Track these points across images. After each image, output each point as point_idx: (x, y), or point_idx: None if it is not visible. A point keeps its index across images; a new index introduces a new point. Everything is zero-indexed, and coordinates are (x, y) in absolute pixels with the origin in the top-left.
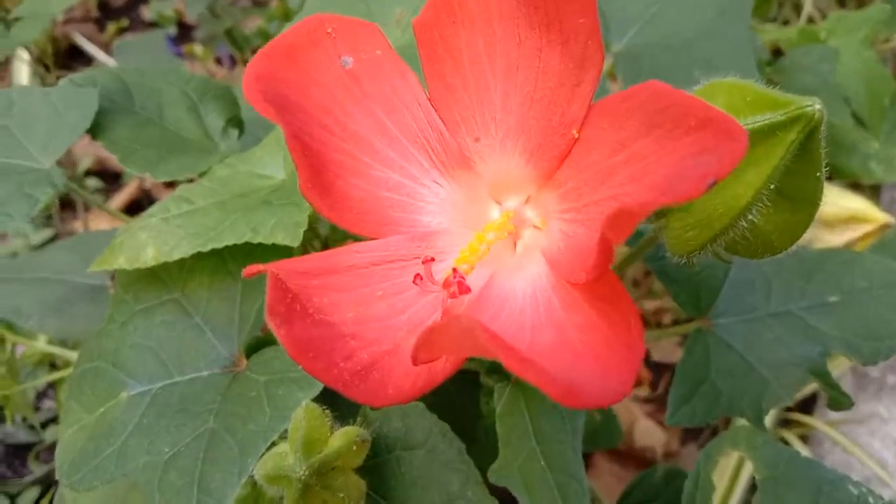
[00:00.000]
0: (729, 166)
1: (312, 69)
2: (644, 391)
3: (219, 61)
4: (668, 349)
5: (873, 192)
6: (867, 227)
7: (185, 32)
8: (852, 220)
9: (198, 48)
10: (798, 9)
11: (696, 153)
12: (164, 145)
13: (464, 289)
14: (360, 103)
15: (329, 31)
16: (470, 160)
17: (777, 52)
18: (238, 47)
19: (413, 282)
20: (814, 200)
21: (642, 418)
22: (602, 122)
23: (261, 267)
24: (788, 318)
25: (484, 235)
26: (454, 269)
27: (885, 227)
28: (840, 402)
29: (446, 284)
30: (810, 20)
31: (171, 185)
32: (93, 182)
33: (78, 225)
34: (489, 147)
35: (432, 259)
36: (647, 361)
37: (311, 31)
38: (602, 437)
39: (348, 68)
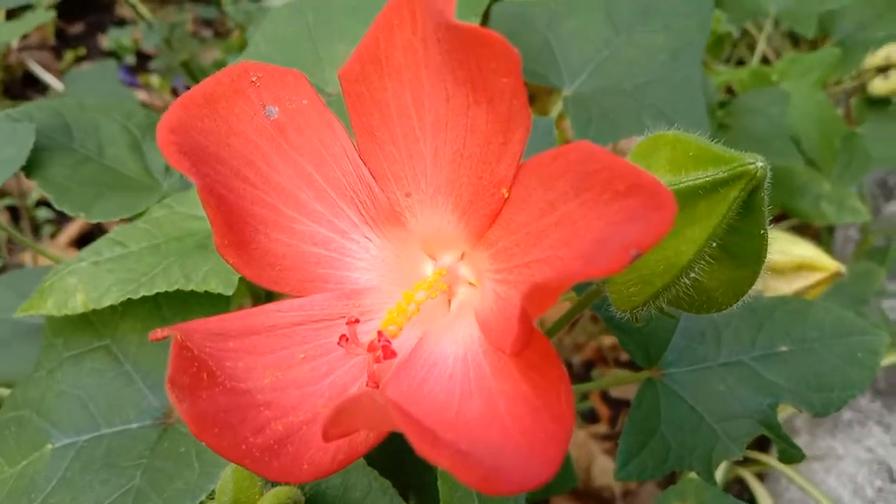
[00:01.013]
0: (654, 237)
1: (233, 119)
2: (602, 428)
3: (175, 92)
4: (625, 389)
5: (828, 232)
6: (818, 276)
7: (143, 62)
8: (803, 268)
9: (154, 79)
10: (752, 48)
11: (623, 221)
12: (102, 184)
13: (389, 353)
14: (286, 155)
15: (253, 79)
16: (401, 215)
17: (730, 92)
18: (195, 79)
19: (338, 343)
20: (758, 258)
21: (600, 456)
22: (532, 182)
23: (167, 331)
24: (739, 368)
25: (413, 295)
26: (379, 332)
27: (836, 275)
28: (791, 455)
29: (371, 348)
30: (764, 59)
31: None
32: (43, 213)
33: (27, 256)
34: (420, 203)
35: (357, 320)
36: (606, 397)
37: (233, 79)
38: (555, 484)
39: (273, 118)
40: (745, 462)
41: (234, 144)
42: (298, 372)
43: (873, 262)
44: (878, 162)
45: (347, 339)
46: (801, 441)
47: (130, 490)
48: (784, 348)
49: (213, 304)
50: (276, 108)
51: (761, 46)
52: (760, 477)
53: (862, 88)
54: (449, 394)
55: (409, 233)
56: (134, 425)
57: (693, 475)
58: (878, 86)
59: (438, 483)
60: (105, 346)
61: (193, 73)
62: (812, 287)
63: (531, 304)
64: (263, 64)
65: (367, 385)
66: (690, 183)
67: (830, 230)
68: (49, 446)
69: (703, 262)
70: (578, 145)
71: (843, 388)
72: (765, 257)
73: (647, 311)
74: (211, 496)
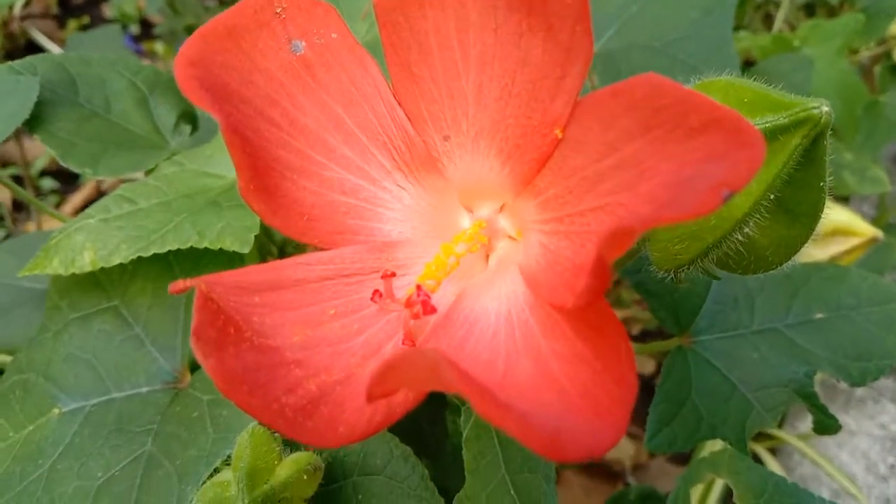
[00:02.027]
0: (745, 176)
1: (257, 54)
2: None
3: None
4: (638, 360)
5: (843, 203)
6: (854, 241)
7: (146, 30)
8: (838, 233)
9: (158, 46)
10: (767, 18)
11: (702, 160)
12: (109, 140)
13: (429, 309)
14: (313, 94)
15: (278, 10)
16: (438, 161)
17: (747, 63)
18: None
19: (371, 299)
20: (815, 213)
21: None
22: (589, 121)
23: (189, 282)
24: (773, 335)
25: (452, 247)
26: (418, 286)
27: (872, 240)
28: (828, 426)
29: (409, 303)
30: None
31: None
32: (48, 183)
33: (31, 226)
34: (460, 147)
35: (393, 274)
36: None
37: (257, 10)
38: None
39: (300, 54)
40: (758, 437)
41: (258, 82)
42: (329, 329)
43: (890, 235)
44: None
45: (381, 295)
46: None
47: (141, 456)
48: (820, 315)
49: (227, 263)
50: (303, 43)
51: (782, 12)
52: (773, 452)
53: (886, 56)
54: (493, 353)
55: (447, 181)
56: (144, 389)
57: (722, 448)
58: None
59: (463, 451)
60: (114, 308)
61: None
62: (847, 253)
63: (609, 249)
64: None
65: (402, 343)
66: None
67: (845, 202)
68: (56, 411)
69: (758, 216)
70: (644, 78)
71: (882, 357)
72: (822, 213)
73: (691, 271)
74: (226, 462)
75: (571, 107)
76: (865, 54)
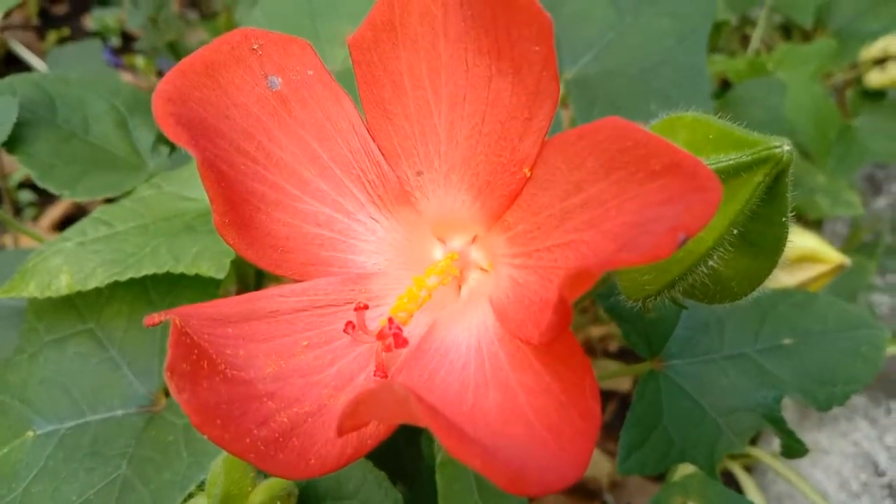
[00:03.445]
0: (701, 220)
1: (234, 89)
2: None
3: (161, 75)
4: (616, 378)
5: (816, 226)
6: (821, 268)
7: (128, 44)
8: (806, 259)
9: (139, 60)
10: (744, 39)
11: (661, 202)
12: (87, 162)
13: (400, 342)
14: (288, 129)
15: (255, 47)
16: (411, 195)
17: (723, 84)
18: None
19: (344, 330)
20: (777, 247)
21: None
22: (557, 161)
23: (164, 315)
24: (743, 361)
25: (425, 280)
26: (390, 319)
27: (839, 267)
28: (794, 450)
29: (381, 336)
30: (755, 53)
31: (110, 200)
32: (26, 196)
33: (7, 240)
34: (432, 182)
35: (366, 306)
36: None
37: (234, 46)
38: None
39: (276, 90)
40: (733, 455)
41: (235, 117)
42: (302, 360)
43: (862, 256)
44: (873, 155)
45: (354, 327)
46: None
47: (116, 480)
48: (788, 341)
49: (203, 288)
50: (279, 79)
51: (758, 35)
52: (748, 469)
53: (857, 80)
54: (463, 384)
55: (419, 214)
56: (119, 413)
57: (695, 470)
58: (875, 78)
59: (437, 476)
60: (89, 331)
61: (179, 55)
62: (815, 279)
63: (570, 289)
64: (266, 31)
65: (374, 374)
66: (712, 166)
67: (819, 225)
68: (31, 433)
69: (722, 250)
70: (608, 121)
71: (847, 383)
72: (784, 246)
73: (659, 301)
74: (200, 487)
75: (539, 146)
76: (838, 78)
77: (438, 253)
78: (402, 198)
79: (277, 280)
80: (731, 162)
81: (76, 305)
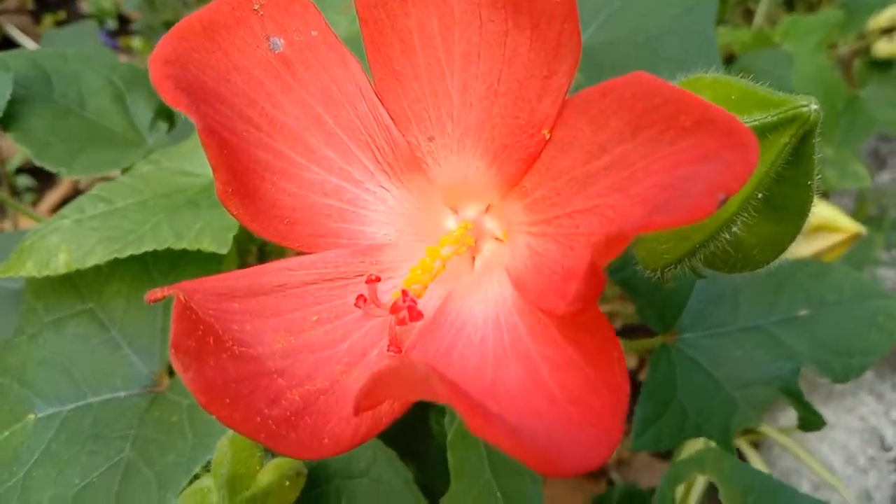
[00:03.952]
0: (741, 179)
1: (234, 52)
2: None
3: None
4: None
5: (822, 198)
6: (837, 237)
7: (124, 26)
8: (822, 229)
9: (136, 42)
10: (747, 14)
11: (694, 161)
12: (84, 138)
13: (415, 315)
14: (293, 93)
15: (256, 7)
16: (422, 162)
17: (727, 58)
18: None
19: (355, 304)
20: (802, 211)
21: None
22: (578, 122)
23: (167, 290)
24: (757, 333)
25: (438, 250)
26: (404, 291)
27: (855, 236)
28: (813, 422)
29: (394, 309)
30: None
31: (106, 179)
32: (24, 180)
33: (7, 224)
34: (445, 147)
35: (377, 278)
36: None
37: (234, 6)
38: None
39: (278, 52)
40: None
41: (236, 81)
42: (312, 336)
43: (869, 230)
44: (881, 126)
45: (366, 300)
46: (792, 411)
47: (119, 462)
48: (803, 312)
49: (206, 265)
50: (282, 41)
51: (762, 10)
52: (755, 445)
53: (865, 51)
54: (481, 358)
55: (431, 182)
56: (122, 394)
57: (703, 446)
58: (883, 48)
59: (448, 453)
60: (89, 310)
61: None
62: (831, 249)
63: (602, 255)
64: None
65: (388, 349)
66: None
67: (824, 198)
68: (31, 417)
69: (745, 215)
70: (633, 77)
71: (864, 354)
72: (809, 211)
73: (678, 270)
74: (206, 468)
75: (559, 106)
76: (844, 49)
77: (451, 223)
78: (413, 165)
79: (282, 257)
80: (756, 122)
81: (75, 285)
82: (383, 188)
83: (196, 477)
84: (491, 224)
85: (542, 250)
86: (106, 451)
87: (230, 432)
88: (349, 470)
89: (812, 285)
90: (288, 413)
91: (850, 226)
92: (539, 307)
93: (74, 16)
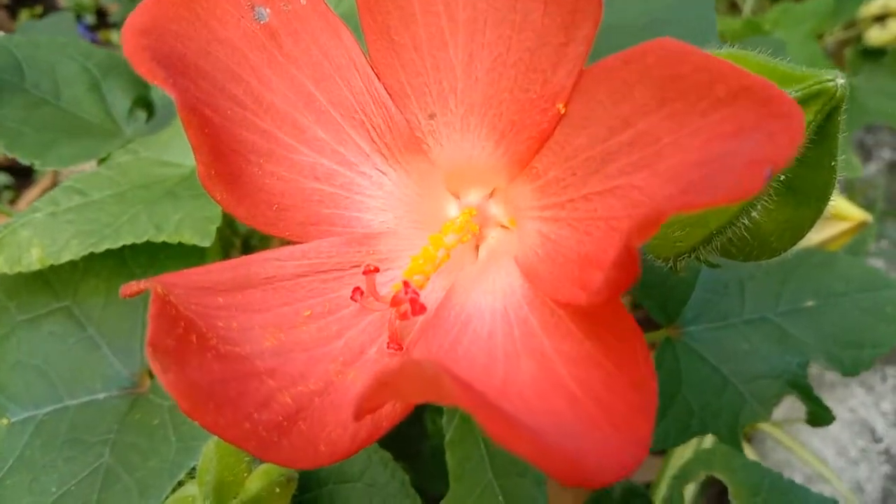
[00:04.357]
0: (788, 150)
1: (216, 22)
2: None
3: None
4: None
5: None
6: (844, 226)
7: (102, 21)
8: (829, 217)
9: (115, 35)
10: (732, 6)
11: (731, 134)
12: (58, 128)
13: (418, 308)
14: (280, 68)
15: None
16: (422, 142)
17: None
18: None
19: (351, 297)
20: (824, 194)
21: None
22: (597, 93)
23: (143, 283)
24: (764, 325)
25: (442, 238)
26: (405, 283)
27: (861, 224)
28: (822, 417)
29: (395, 302)
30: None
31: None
32: (1, 178)
33: None
34: (447, 126)
35: (376, 269)
36: None
37: None
38: None
39: (264, 22)
40: None
41: (218, 54)
42: (304, 332)
43: None
44: (873, 115)
45: (363, 293)
46: (784, 403)
47: (99, 469)
48: (810, 303)
49: (186, 259)
50: (268, 10)
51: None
52: (747, 438)
53: (857, 39)
54: (490, 355)
55: (432, 164)
56: (100, 396)
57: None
58: (875, 36)
59: (447, 455)
60: (65, 308)
61: None
62: (837, 237)
63: (637, 239)
64: None
65: (388, 346)
66: None
67: None
68: (4, 421)
69: (766, 199)
70: (659, 43)
71: (873, 346)
72: (831, 194)
73: (691, 259)
74: (191, 474)
75: (575, 77)
76: (829, 40)
77: (453, 209)
78: (413, 146)
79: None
80: None
81: (50, 282)
82: (380, 171)
83: (180, 484)
84: (496, 210)
85: (555, 237)
86: (84, 457)
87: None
88: (342, 474)
89: (818, 275)
90: (280, 417)
91: (857, 214)
92: (554, 298)
93: (51, 10)
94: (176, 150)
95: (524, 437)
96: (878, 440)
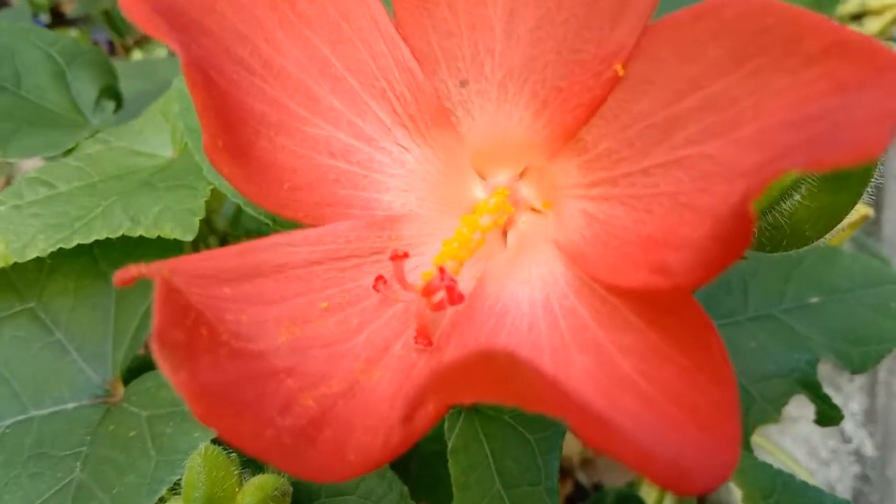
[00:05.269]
0: None
1: None
2: None
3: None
4: None
5: None
6: (848, 219)
7: (58, 21)
8: None
9: (72, 34)
10: None
11: (829, 92)
12: (20, 119)
13: (456, 297)
14: (292, 29)
15: None
16: (451, 114)
17: None
18: (118, 32)
19: (374, 287)
20: (865, 178)
21: None
22: (662, 53)
23: (143, 269)
24: (770, 322)
25: (476, 220)
26: (441, 269)
27: (864, 218)
28: (831, 416)
29: (428, 290)
30: None
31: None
32: None
33: None
34: (481, 94)
35: (405, 254)
36: None
37: None
38: None
39: None
40: None
41: (224, 11)
42: (322, 326)
43: None
44: None
45: (386, 282)
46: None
47: (69, 485)
48: (815, 300)
49: (164, 255)
50: None
51: None
52: None
53: None
54: (535, 350)
55: (459, 140)
56: (69, 406)
57: None
58: None
59: (449, 464)
60: (29, 310)
61: (117, 25)
62: (839, 231)
63: (754, 195)
64: None
65: (415, 341)
66: None
67: None
68: None
69: (810, 181)
70: None
71: (880, 342)
72: (872, 178)
73: None
74: (172, 490)
75: (638, 35)
76: None
77: (479, 192)
78: (440, 118)
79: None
80: None
81: (12, 282)
82: (402, 147)
83: (161, 500)
84: (527, 191)
85: (604, 217)
86: (52, 473)
87: (202, 447)
88: (336, 486)
89: (822, 271)
90: (304, 422)
91: (860, 207)
92: (613, 284)
93: (4, 7)
94: (150, 140)
95: (625, 442)
96: (847, 440)
